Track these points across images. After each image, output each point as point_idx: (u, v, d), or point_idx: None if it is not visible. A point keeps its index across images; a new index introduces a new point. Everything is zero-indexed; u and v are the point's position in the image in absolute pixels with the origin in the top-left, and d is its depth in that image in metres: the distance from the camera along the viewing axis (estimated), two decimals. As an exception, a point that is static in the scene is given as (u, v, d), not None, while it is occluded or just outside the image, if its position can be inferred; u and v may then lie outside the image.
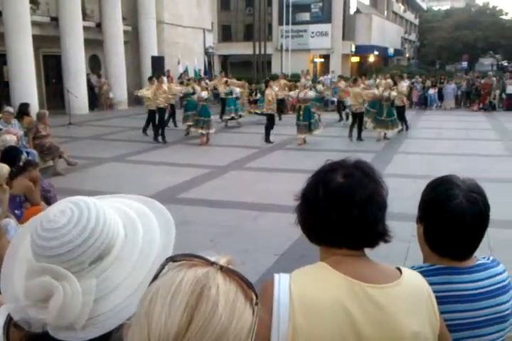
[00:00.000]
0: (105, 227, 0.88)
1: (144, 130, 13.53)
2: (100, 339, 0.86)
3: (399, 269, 1.25)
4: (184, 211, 6.62)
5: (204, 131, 12.43)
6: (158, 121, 12.94)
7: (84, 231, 0.85)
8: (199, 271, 0.68)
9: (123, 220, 0.94)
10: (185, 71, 21.96)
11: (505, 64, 63.50)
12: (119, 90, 21.24)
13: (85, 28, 19.11)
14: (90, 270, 0.86)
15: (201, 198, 7.46)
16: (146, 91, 12.88)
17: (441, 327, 1.25)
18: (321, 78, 25.78)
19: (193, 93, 13.31)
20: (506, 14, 58.73)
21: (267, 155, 11.23)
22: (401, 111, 14.13)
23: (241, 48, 33.93)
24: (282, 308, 1.14)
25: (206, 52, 27.93)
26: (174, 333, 0.63)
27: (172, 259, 0.72)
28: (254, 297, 0.71)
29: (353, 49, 36.27)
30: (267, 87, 13.64)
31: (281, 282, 1.18)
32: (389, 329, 1.15)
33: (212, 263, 0.70)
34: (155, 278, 0.71)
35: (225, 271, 0.69)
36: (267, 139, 12.50)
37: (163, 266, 0.72)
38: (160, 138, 12.71)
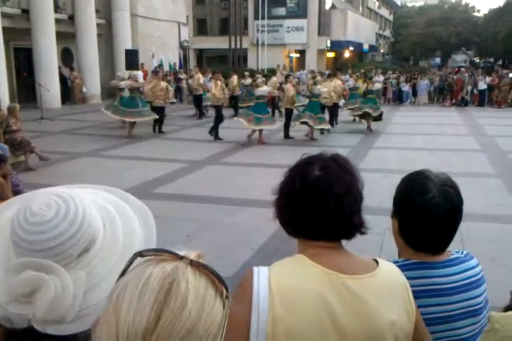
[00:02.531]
0: (91, 219, 0.88)
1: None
2: (69, 336, 0.85)
3: (376, 261, 1.27)
4: (160, 206, 6.56)
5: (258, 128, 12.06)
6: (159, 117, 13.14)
7: (74, 223, 0.85)
8: (168, 266, 0.67)
9: (100, 212, 0.93)
10: (160, 65, 21.75)
11: (477, 60, 64.76)
12: (92, 84, 20.90)
13: (57, 21, 18.72)
14: (78, 262, 0.86)
15: (177, 193, 7.41)
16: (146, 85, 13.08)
17: (417, 316, 1.27)
18: (297, 73, 25.85)
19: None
20: (478, 11, 59.84)
21: (244, 150, 11.22)
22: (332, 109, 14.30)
23: (217, 42, 33.76)
24: (261, 300, 1.14)
25: (181, 46, 27.69)
26: (143, 329, 0.62)
27: (140, 254, 0.70)
28: (224, 290, 0.70)
29: (329, 44, 36.46)
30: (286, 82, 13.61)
31: (260, 274, 1.18)
32: (367, 319, 1.16)
33: (181, 258, 0.69)
34: (123, 273, 0.70)
35: (195, 265, 0.68)
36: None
37: (131, 262, 0.70)
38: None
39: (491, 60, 60.40)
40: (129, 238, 0.93)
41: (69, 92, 20.51)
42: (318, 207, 1.20)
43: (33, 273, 0.82)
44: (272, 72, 22.93)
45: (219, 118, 12.35)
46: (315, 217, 1.20)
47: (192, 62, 33.45)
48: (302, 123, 12.25)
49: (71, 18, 20.23)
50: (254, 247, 5.25)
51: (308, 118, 12.13)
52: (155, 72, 13.99)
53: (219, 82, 12.82)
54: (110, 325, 0.64)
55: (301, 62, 35.12)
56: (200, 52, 38.12)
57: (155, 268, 0.67)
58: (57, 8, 19.27)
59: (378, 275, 1.21)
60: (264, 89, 12.51)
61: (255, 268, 1.21)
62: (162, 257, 0.69)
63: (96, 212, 0.92)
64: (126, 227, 0.94)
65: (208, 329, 0.65)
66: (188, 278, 0.66)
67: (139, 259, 0.70)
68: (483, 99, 21.18)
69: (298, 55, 36.11)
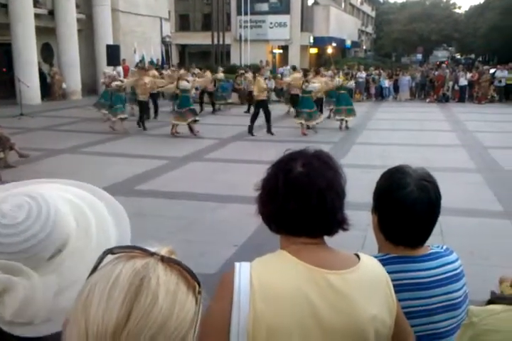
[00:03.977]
0: (64, 220, 0.86)
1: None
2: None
3: (357, 255, 1.27)
4: (142, 203, 6.52)
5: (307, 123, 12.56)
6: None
7: (46, 225, 0.83)
8: (138, 263, 0.66)
9: (73, 211, 0.91)
10: (142, 60, 21.56)
11: (458, 56, 65.47)
12: (73, 80, 20.64)
13: (37, 16, 18.41)
14: (49, 264, 0.84)
15: (159, 190, 7.36)
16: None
17: (398, 309, 1.28)
18: (280, 69, 25.85)
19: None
20: (459, 8, 60.59)
21: (226, 146, 11.18)
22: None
23: (199, 38, 33.58)
24: (243, 296, 1.14)
25: (163, 42, 27.46)
26: (112, 327, 0.61)
27: (110, 252, 0.69)
28: (197, 286, 0.70)
29: (312, 40, 36.51)
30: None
31: (242, 270, 1.18)
32: (348, 313, 1.17)
33: (152, 254, 0.68)
34: (93, 271, 0.69)
35: (166, 261, 0.68)
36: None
37: (101, 259, 0.69)
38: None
39: (472, 56, 61.16)
40: (103, 238, 0.91)
41: (49, 88, 20.23)
42: (300, 203, 1.19)
43: (1, 276, 0.79)
44: (256, 68, 22.87)
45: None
46: (297, 213, 1.20)
47: (174, 58, 33.21)
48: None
49: (51, 13, 19.91)
50: (237, 244, 5.24)
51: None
52: (144, 69, 14.08)
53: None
54: (79, 324, 0.63)
55: (284, 58, 35.11)
56: (182, 48, 37.88)
57: (125, 265, 0.66)
58: (36, 3, 18.96)
59: (360, 270, 1.22)
60: (315, 85, 12.81)
61: (237, 264, 1.21)
62: (132, 254, 0.68)
63: (69, 211, 0.90)
64: (99, 227, 0.92)
65: (180, 325, 0.65)
66: (158, 274, 0.65)
67: (110, 257, 0.69)
68: (464, 95, 21.42)
69: (281, 51, 36.10)
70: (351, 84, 15.59)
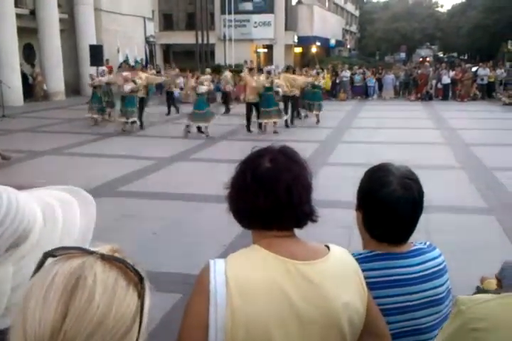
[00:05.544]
0: (18, 214, 0.86)
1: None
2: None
3: (327, 246, 1.30)
4: (126, 204, 6.48)
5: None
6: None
7: None
8: (75, 262, 0.66)
9: (42, 207, 0.92)
10: (126, 60, 21.41)
11: (441, 55, 66.09)
12: (56, 80, 20.43)
13: (18, 16, 18.21)
14: (6, 257, 0.85)
15: (144, 191, 7.31)
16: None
17: (369, 297, 1.30)
18: (265, 68, 25.81)
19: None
20: (442, 7, 61.12)
21: (212, 146, 11.16)
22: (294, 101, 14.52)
23: (183, 37, 33.40)
24: (219, 292, 1.15)
25: (147, 41, 27.30)
26: (49, 328, 0.62)
27: (51, 254, 0.69)
28: (138, 280, 0.69)
29: (296, 39, 36.55)
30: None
31: (217, 267, 1.20)
32: (322, 302, 1.20)
33: (91, 253, 0.68)
34: (34, 274, 0.69)
35: (106, 258, 0.68)
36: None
37: (42, 263, 0.69)
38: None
39: (455, 54, 61.81)
40: (67, 235, 0.93)
41: (31, 89, 20.00)
42: (269, 197, 1.23)
43: None
44: (240, 68, 22.87)
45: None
46: (267, 207, 1.23)
47: (158, 57, 33.04)
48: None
49: (32, 12, 19.70)
50: (225, 243, 5.22)
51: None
52: (133, 68, 14.18)
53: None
54: (18, 327, 0.64)
55: (269, 58, 35.11)
56: (166, 48, 37.67)
57: (62, 266, 0.66)
58: (17, 3, 18.73)
59: (330, 260, 1.25)
60: (279, 90, 13.07)
61: (211, 261, 1.22)
62: (71, 255, 0.68)
63: (38, 208, 0.91)
64: (66, 223, 0.93)
65: (120, 321, 0.65)
66: (95, 271, 0.66)
67: (50, 259, 0.69)
68: (447, 93, 21.63)
69: (266, 50, 36.09)
70: (323, 82, 15.96)
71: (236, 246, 5.12)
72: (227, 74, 18.97)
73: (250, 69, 14.28)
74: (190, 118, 12.15)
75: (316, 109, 14.32)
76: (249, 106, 12.86)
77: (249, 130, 12.79)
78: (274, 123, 12.72)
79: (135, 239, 5.06)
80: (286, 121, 13.51)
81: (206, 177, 8.03)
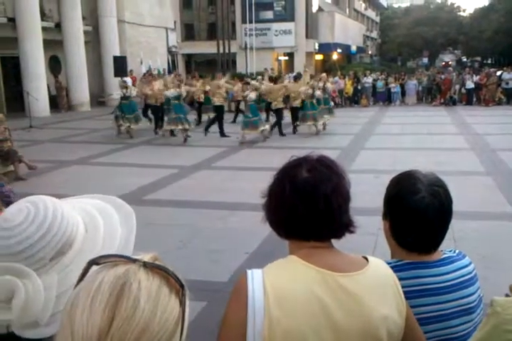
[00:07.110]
0: (63, 223, 0.89)
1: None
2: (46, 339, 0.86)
3: (365, 258, 1.29)
4: (152, 212, 6.54)
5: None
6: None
7: (41, 227, 0.86)
8: (119, 270, 0.69)
9: (83, 216, 0.95)
10: (148, 71, 21.71)
11: (465, 59, 65.25)
12: (81, 91, 20.81)
13: (44, 29, 18.64)
14: (52, 266, 0.87)
15: (169, 199, 7.39)
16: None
17: (408, 309, 1.28)
18: (286, 76, 25.88)
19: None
20: (464, 11, 60.42)
21: (234, 154, 11.21)
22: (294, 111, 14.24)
23: (205, 47, 33.71)
24: (257, 302, 1.15)
25: (169, 52, 27.65)
26: (97, 331, 0.64)
27: (94, 262, 0.72)
28: (180, 288, 0.72)
29: (317, 47, 36.56)
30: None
31: (255, 277, 1.19)
32: (361, 315, 1.18)
33: (134, 261, 0.71)
34: (79, 282, 0.71)
35: (149, 266, 0.70)
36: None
37: (86, 270, 0.72)
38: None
39: (478, 58, 60.97)
40: (109, 242, 0.95)
41: (55, 100, 20.40)
42: (307, 208, 1.21)
43: (8, 278, 0.83)
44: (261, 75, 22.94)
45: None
46: (305, 218, 1.22)
47: (181, 67, 33.40)
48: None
49: (58, 25, 20.15)
50: (248, 251, 5.23)
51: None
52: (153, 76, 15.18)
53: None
54: (66, 333, 0.66)
55: (290, 65, 35.17)
56: (188, 57, 38.07)
57: (107, 273, 0.69)
58: (43, 16, 19.20)
59: (369, 272, 1.23)
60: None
61: (249, 271, 1.22)
62: (115, 262, 0.71)
63: (79, 217, 0.94)
64: (107, 230, 0.96)
65: (164, 327, 0.67)
66: (140, 278, 0.68)
67: (94, 267, 0.72)
68: (471, 98, 21.33)
69: (287, 58, 36.19)
70: (332, 87, 16.02)
71: (259, 253, 5.15)
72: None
73: (273, 78, 14.49)
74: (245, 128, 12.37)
75: (310, 118, 13.56)
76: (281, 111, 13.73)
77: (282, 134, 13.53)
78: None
79: (162, 247, 5.11)
80: (294, 127, 13.93)
81: (229, 185, 8.08)
